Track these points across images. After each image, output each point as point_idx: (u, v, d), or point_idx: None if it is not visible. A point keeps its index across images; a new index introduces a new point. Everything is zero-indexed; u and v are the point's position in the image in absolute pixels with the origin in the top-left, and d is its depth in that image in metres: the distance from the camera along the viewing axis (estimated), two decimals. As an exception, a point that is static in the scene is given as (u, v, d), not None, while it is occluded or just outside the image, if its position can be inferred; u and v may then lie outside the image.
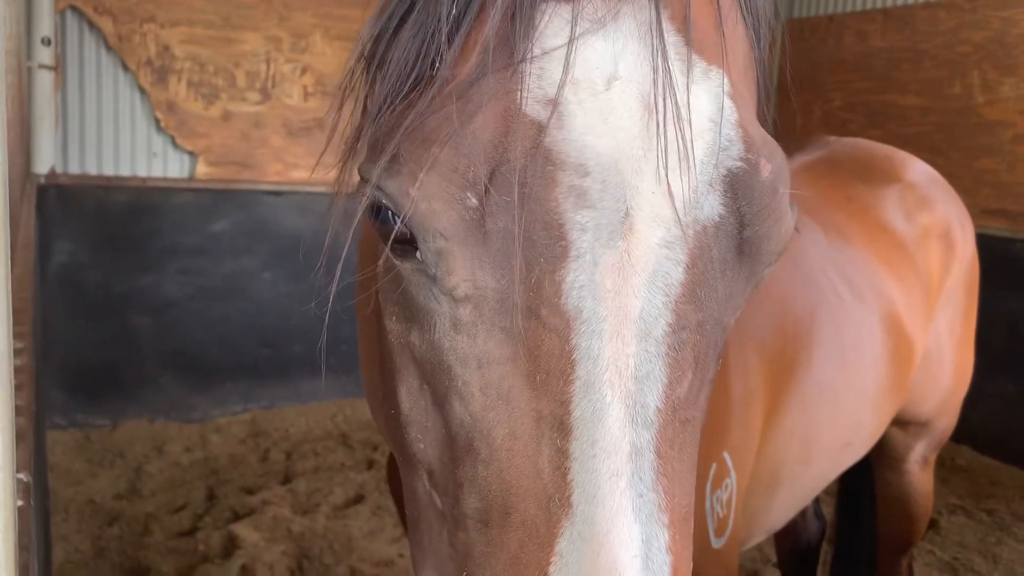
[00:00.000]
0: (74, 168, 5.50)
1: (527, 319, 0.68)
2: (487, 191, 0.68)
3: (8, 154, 0.84)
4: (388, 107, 0.73)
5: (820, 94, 6.93)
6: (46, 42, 5.03)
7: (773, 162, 0.76)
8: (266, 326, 6.03)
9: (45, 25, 5.02)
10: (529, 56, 0.69)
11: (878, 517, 3.19)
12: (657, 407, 0.68)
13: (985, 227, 5.74)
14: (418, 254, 0.71)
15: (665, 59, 0.70)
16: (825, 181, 2.62)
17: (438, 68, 0.72)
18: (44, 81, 5.11)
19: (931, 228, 2.72)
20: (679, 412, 0.71)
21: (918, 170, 2.90)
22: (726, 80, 0.75)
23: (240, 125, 5.86)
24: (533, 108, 0.69)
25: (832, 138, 2.99)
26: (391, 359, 0.78)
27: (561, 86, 0.68)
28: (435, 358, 0.73)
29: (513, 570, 0.67)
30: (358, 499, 4.87)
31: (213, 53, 5.71)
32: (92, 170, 5.55)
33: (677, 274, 0.70)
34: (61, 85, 5.36)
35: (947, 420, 3.15)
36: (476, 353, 0.70)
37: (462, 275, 0.69)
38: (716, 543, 1.46)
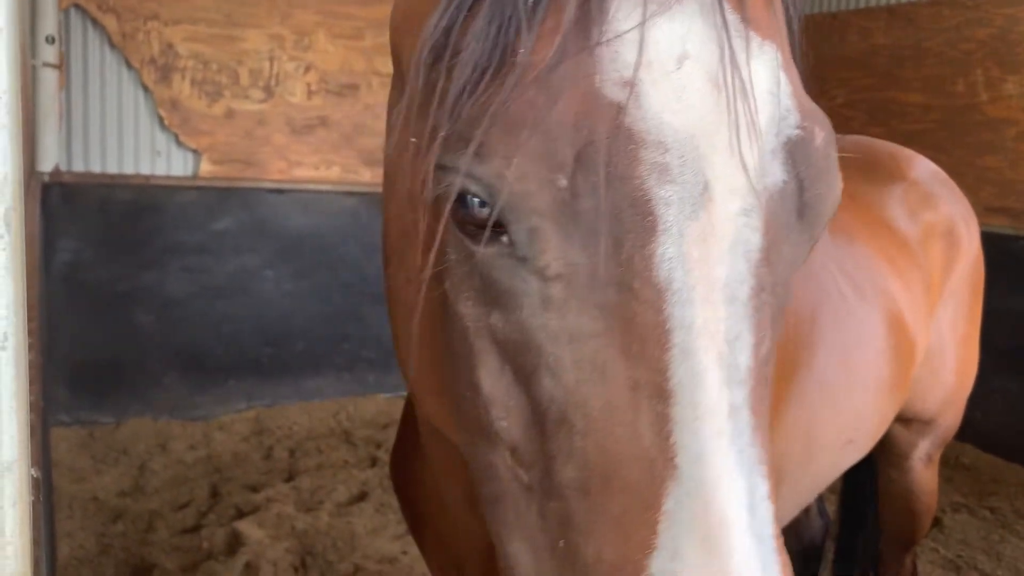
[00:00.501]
0: (78, 166, 5.51)
1: (619, 293, 0.71)
2: (574, 172, 0.71)
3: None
4: (468, 97, 0.74)
5: (823, 91, 6.93)
6: (50, 40, 5.04)
7: (825, 129, 0.82)
8: (269, 324, 6.04)
9: (49, 23, 5.02)
10: (605, 39, 0.72)
11: (882, 515, 3.19)
12: (748, 367, 0.72)
13: (988, 224, 5.73)
14: (505, 237, 0.73)
15: (729, 37, 0.74)
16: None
17: (518, 55, 0.73)
18: (48, 79, 5.11)
19: (935, 226, 2.72)
20: (763, 370, 0.75)
21: (922, 168, 2.91)
22: (779, 54, 0.79)
23: (243, 123, 5.87)
24: (611, 90, 0.71)
25: (835, 136, 2.99)
26: (465, 343, 0.79)
27: (636, 67, 0.71)
28: (521, 337, 0.75)
29: (620, 532, 0.69)
30: (361, 496, 4.88)
31: (216, 51, 5.72)
32: (96, 168, 5.56)
33: (755, 240, 0.75)
34: (65, 83, 5.37)
35: (951, 418, 3.15)
36: (568, 329, 0.72)
37: (554, 254, 0.72)
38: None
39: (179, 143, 5.73)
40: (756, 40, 0.78)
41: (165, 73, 5.61)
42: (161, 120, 5.65)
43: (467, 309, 0.79)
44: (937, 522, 4.87)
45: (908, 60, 6.52)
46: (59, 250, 5.40)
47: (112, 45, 5.47)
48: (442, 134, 0.74)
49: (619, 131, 0.71)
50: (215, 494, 4.87)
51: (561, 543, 0.73)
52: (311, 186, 6.10)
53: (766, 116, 0.77)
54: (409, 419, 1.72)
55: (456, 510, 1.55)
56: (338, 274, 6.19)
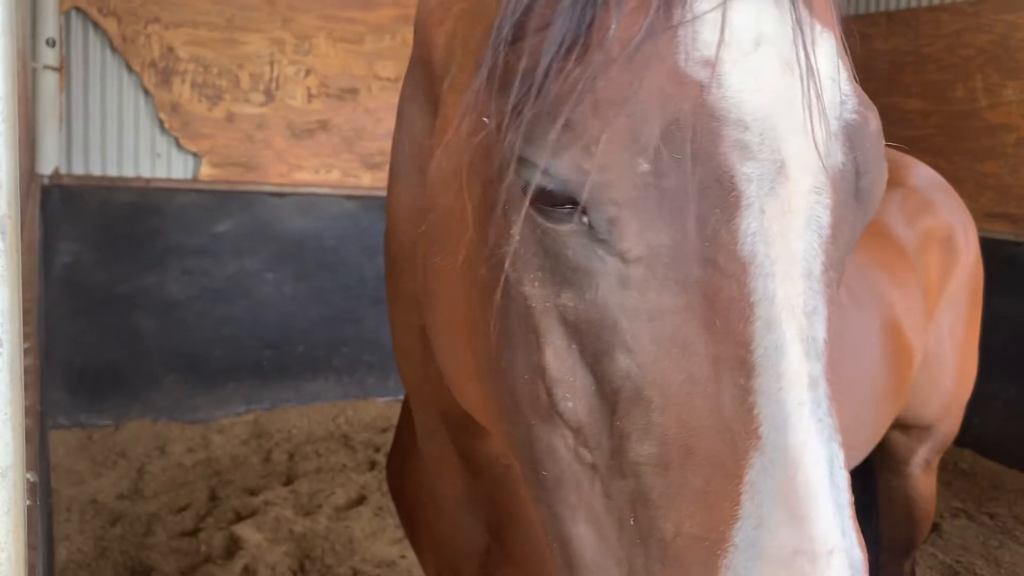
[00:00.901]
0: (78, 169, 5.52)
1: (704, 268, 0.72)
2: (659, 151, 0.71)
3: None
4: (556, 74, 0.74)
5: (823, 97, 6.93)
6: (51, 43, 5.05)
7: (876, 116, 0.85)
8: (268, 327, 6.05)
9: (49, 26, 5.03)
10: (688, 19, 0.73)
11: (881, 520, 3.19)
12: (823, 340, 0.74)
13: (988, 230, 5.74)
14: (585, 218, 0.74)
15: (800, 21, 0.77)
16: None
17: (607, 33, 0.73)
18: (48, 82, 5.12)
19: (933, 233, 2.72)
20: (831, 344, 0.77)
21: (921, 174, 2.91)
22: (836, 42, 0.83)
23: (244, 126, 5.88)
24: (694, 69, 0.73)
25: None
26: (528, 325, 0.79)
27: (718, 47, 0.73)
28: (596, 316, 0.75)
29: (701, 505, 0.69)
30: (360, 500, 4.88)
31: (217, 55, 5.73)
32: (96, 171, 5.57)
33: (825, 217, 0.77)
34: (65, 86, 5.38)
35: (949, 423, 3.15)
36: (647, 307, 0.73)
37: (635, 238, 0.72)
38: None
39: (179, 146, 5.74)
40: (818, 27, 0.81)
41: (166, 76, 5.62)
42: (161, 123, 5.66)
43: (533, 290, 0.78)
44: (936, 527, 4.87)
45: (908, 66, 6.52)
46: (59, 253, 5.40)
47: (113, 48, 5.48)
48: (529, 112, 0.74)
49: (702, 109, 0.72)
50: (214, 497, 4.87)
51: (631, 521, 0.73)
52: (311, 189, 6.10)
53: (829, 99, 0.79)
54: (406, 423, 1.72)
55: (453, 512, 1.55)
56: (338, 277, 6.19)
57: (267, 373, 6.06)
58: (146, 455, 5.32)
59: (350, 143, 6.19)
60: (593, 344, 0.76)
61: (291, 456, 5.48)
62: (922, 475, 3.13)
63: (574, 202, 0.73)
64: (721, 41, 0.73)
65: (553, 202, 0.74)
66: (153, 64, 5.58)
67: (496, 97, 0.78)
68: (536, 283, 0.78)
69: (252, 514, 4.61)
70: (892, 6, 6.75)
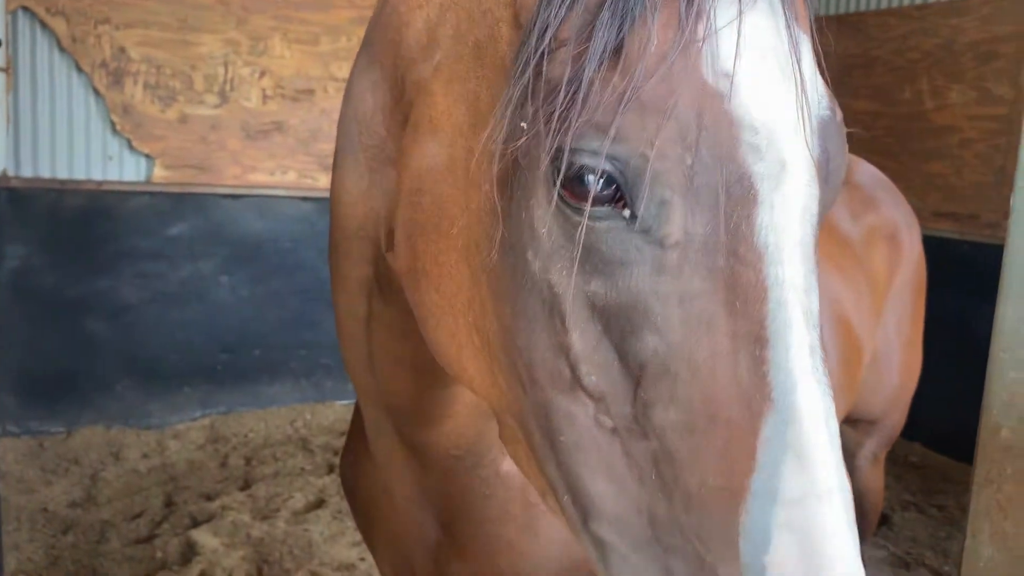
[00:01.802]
0: (26, 171, 5.41)
1: (727, 257, 0.81)
2: (696, 151, 0.81)
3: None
4: (601, 84, 0.81)
5: (776, 99, 7.03)
6: (-3, 43, 4.95)
7: (838, 107, 0.97)
8: (224, 330, 5.99)
9: (-4, 26, 4.94)
10: (709, 34, 0.82)
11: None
12: (817, 312, 0.85)
13: (935, 229, 5.87)
14: (625, 212, 0.82)
15: (792, 33, 0.87)
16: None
17: (643, 48, 0.81)
18: (-5, 83, 5.02)
19: (878, 229, 2.79)
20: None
21: (864, 172, 2.97)
22: (811, 44, 0.93)
23: (197, 128, 5.81)
24: (715, 79, 0.82)
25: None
26: (552, 309, 0.87)
27: (736, 59, 0.82)
28: (627, 301, 0.83)
29: (723, 461, 0.79)
30: (319, 504, 4.85)
31: (170, 55, 5.66)
32: (45, 173, 5.47)
33: (813, 206, 0.87)
34: (13, 87, 5.28)
35: (896, 417, 3.23)
36: (679, 291, 0.82)
37: (677, 225, 0.82)
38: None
39: (132, 148, 5.66)
40: (801, 34, 0.89)
41: (117, 77, 5.54)
42: (113, 125, 5.58)
43: (560, 279, 0.86)
44: (887, 520, 4.97)
45: (857, 68, 6.66)
46: (8, 257, 5.30)
47: (61, 48, 5.39)
48: (578, 119, 0.81)
49: (724, 116, 0.81)
50: (169, 503, 4.81)
51: (653, 476, 0.83)
52: (267, 191, 6.05)
53: (811, 100, 0.89)
54: (357, 421, 1.73)
55: (405, 508, 1.56)
56: (295, 280, 6.15)
57: (223, 377, 6.00)
58: (99, 462, 5.23)
59: (306, 144, 6.15)
60: (621, 325, 0.84)
61: (248, 461, 5.43)
62: (870, 468, 3.20)
63: (615, 199, 0.82)
64: (737, 55, 0.82)
65: (591, 200, 0.82)
66: (104, 65, 5.49)
67: (533, 104, 0.85)
68: (564, 272, 0.85)
69: (209, 519, 4.56)
70: (841, 9, 6.88)
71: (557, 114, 0.82)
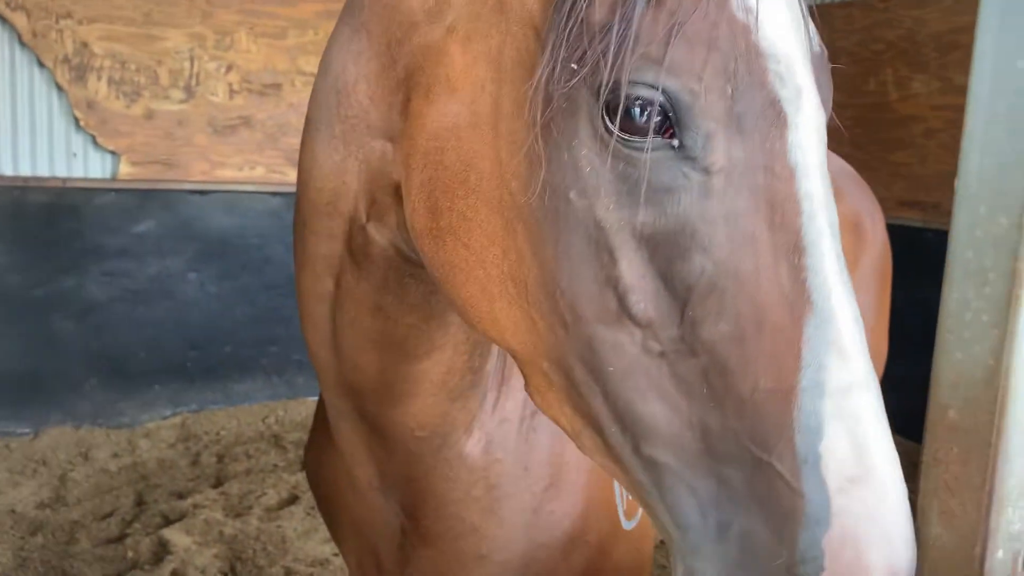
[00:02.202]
0: (-11, 169, 5.33)
1: (764, 175, 0.88)
2: (736, 80, 0.87)
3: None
4: (651, 19, 0.87)
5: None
6: (-44, 39, 4.87)
7: (820, 44, 1.07)
8: (194, 327, 5.93)
9: (-45, 21, 4.85)
10: None
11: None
12: (836, 224, 0.92)
13: (901, 218, 5.95)
14: (674, 141, 0.88)
15: None
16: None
17: None
18: (-45, 79, 4.94)
19: (842, 218, 2.81)
20: None
21: (830, 162, 3.00)
22: None
23: (164, 123, 5.75)
24: (742, 14, 0.89)
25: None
26: (599, 244, 0.91)
27: None
28: (675, 226, 0.88)
29: (772, 363, 0.85)
30: (292, 500, 4.83)
31: (134, 50, 5.59)
32: (7, 171, 5.38)
33: (823, 128, 0.94)
34: (-27, 83, 5.19)
35: (863, 403, 3.27)
36: (724, 212, 0.88)
37: (721, 151, 0.87)
38: (627, 525, 1.51)
39: (96, 144, 5.58)
40: None
41: (80, 73, 5.46)
42: (77, 121, 5.50)
43: (608, 214, 0.90)
44: (856, 505, 5.04)
45: (823, 59, 6.71)
46: (-30, 256, 5.21)
47: (22, 43, 5.30)
48: (633, 54, 0.86)
49: (753, 47, 0.88)
50: (140, 502, 4.77)
51: (704, 390, 0.88)
52: (235, 187, 6.00)
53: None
54: (321, 413, 1.73)
55: (369, 495, 1.56)
56: (264, 276, 6.11)
57: (193, 375, 5.95)
58: (68, 462, 5.18)
59: (274, 139, 6.11)
60: (668, 251, 0.89)
61: (220, 458, 5.39)
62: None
63: (663, 129, 0.88)
64: None
65: (641, 131, 0.87)
66: (66, 60, 5.42)
67: (580, 46, 0.89)
68: (611, 207, 0.90)
69: (180, 518, 4.53)
70: (807, 2, 6.94)
71: (612, 51, 0.86)
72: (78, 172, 5.57)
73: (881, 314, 3.20)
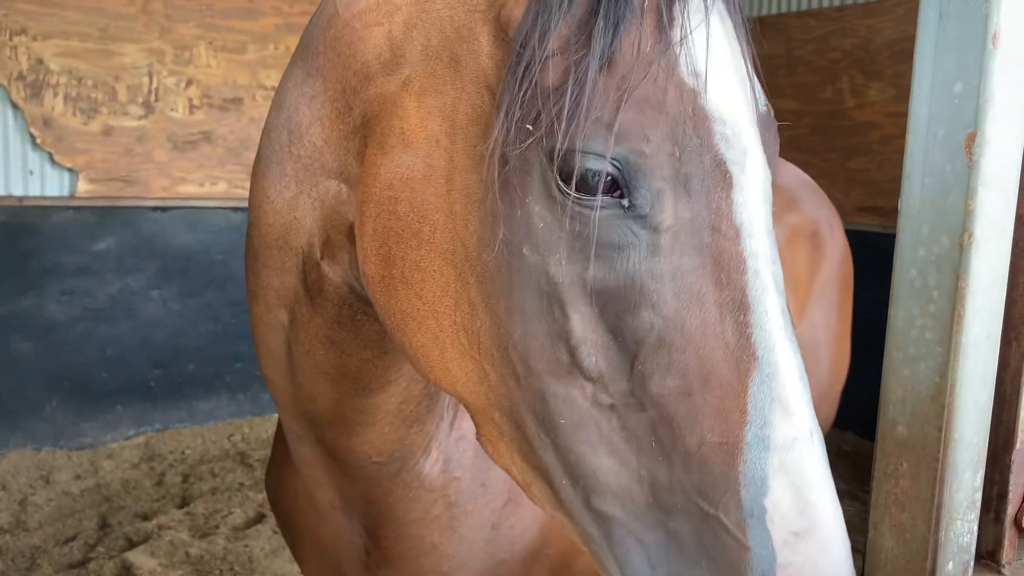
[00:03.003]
0: (-58, 188, 5.24)
1: (711, 234, 0.90)
2: (682, 143, 0.90)
3: None
4: (604, 87, 0.89)
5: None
6: (-93, 57, 4.78)
7: (767, 103, 1.08)
8: (157, 346, 5.86)
9: (-95, 39, 4.76)
10: (685, 37, 0.91)
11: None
12: (781, 279, 0.94)
13: (860, 224, 6.04)
14: (624, 201, 0.90)
15: (743, 35, 0.98)
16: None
17: (636, 52, 0.90)
18: (-94, 98, 4.84)
19: (799, 228, 2.86)
20: None
21: (787, 173, 3.05)
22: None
23: (123, 140, 5.69)
24: (690, 78, 0.91)
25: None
26: (551, 299, 0.93)
27: (706, 59, 0.92)
28: (624, 282, 0.90)
29: (719, 418, 0.87)
30: (259, 519, 4.79)
31: (91, 66, 5.53)
32: (-38, 190, 5.29)
33: (768, 188, 0.97)
34: (-75, 102, 5.10)
35: (827, 410, 3.31)
36: (672, 269, 0.90)
37: (670, 211, 0.90)
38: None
39: (54, 162, 5.51)
40: (743, 37, 1.00)
41: (36, 90, 5.39)
42: (33, 138, 5.42)
43: (559, 269, 0.92)
44: (822, 509, 5.09)
45: (780, 68, 6.82)
46: (-76, 277, 5.11)
47: (-24, 61, 5.22)
48: (587, 117, 0.88)
49: (700, 110, 0.91)
50: (104, 525, 4.70)
51: (652, 443, 0.89)
52: (196, 203, 5.95)
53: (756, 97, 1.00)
54: (280, 434, 1.72)
55: (331, 517, 1.56)
56: (227, 292, 6.05)
57: (157, 394, 5.88)
58: (29, 486, 5.08)
59: (235, 154, 6.06)
60: (617, 306, 0.91)
61: (185, 478, 5.33)
62: (801, 460, 3.27)
63: (613, 190, 0.90)
64: (707, 56, 0.92)
65: (591, 191, 0.89)
66: (21, 77, 5.34)
67: (533, 109, 0.91)
68: (563, 262, 0.92)
69: (145, 539, 4.47)
70: (764, 11, 7.04)
71: (566, 115, 0.89)
72: (35, 190, 5.49)
73: (843, 322, 3.24)
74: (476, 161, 0.96)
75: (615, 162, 0.89)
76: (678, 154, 0.89)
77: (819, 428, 0.90)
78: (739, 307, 0.89)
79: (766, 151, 1.00)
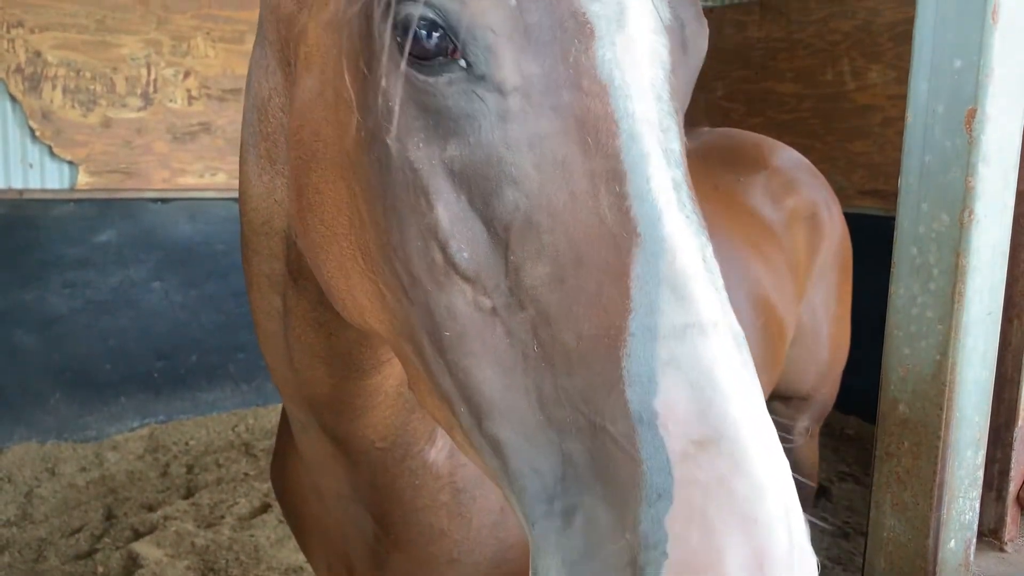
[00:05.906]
0: (-57, 182, 5.24)
1: (571, 93, 0.79)
2: None
3: None
4: None
5: (703, 84, 7.13)
6: (-96, 51, 4.77)
7: None
8: (160, 337, 5.87)
9: (-98, 33, 4.75)
10: None
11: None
12: (680, 153, 0.83)
13: (861, 207, 6.03)
14: (462, 61, 0.80)
15: None
16: (692, 174, 2.72)
17: None
18: (-96, 92, 4.83)
19: (798, 211, 2.85)
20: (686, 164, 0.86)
21: (785, 156, 3.04)
22: None
23: (122, 132, 5.68)
24: None
25: (705, 130, 3.11)
26: (416, 190, 0.84)
27: None
28: (481, 157, 0.80)
29: (597, 307, 0.75)
30: (264, 508, 4.80)
31: (89, 58, 5.51)
32: (-38, 184, 5.29)
33: (665, 55, 0.85)
34: (-77, 96, 5.09)
35: (827, 392, 3.32)
36: (527, 136, 0.79)
37: (511, 67, 0.79)
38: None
39: (53, 155, 5.50)
40: None
41: (34, 83, 5.38)
42: (32, 131, 5.42)
43: (419, 152, 0.83)
44: (826, 491, 5.11)
45: (781, 52, 6.79)
46: (-74, 272, 5.12)
47: (-26, 54, 5.21)
48: None
49: None
50: (110, 516, 4.71)
51: (535, 347, 0.78)
52: (196, 194, 5.94)
53: None
54: (284, 424, 1.72)
55: (337, 505, 1.56)
56: (229, 282, 6.05)
57: (160, 385, 5.89)
58: (34, 478, 5.10)
59: (235, 144, 6.05)
60: (481, 187, 0.81)
61: (190, 468, 5.35)
62: (804, 443, 3.28)
63: (448, 49, 0.80)
64: None
65: (428, 53, 0.81)
66: (19, 70, 5.33)
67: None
68: (421, 144, 0.83)
69: (151, 530, 4.49)
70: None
71: None
72: (35, 183, 5.49)
73: (842, 304, 3.24)
74: (347, 59, 0.89)
75: (433, 7, 0.79)
76: (514, 2, 0.79)
77: (732, 319, 0.76)
78: (613, 176, 0.77)
79: (684, 28, 0.91)
